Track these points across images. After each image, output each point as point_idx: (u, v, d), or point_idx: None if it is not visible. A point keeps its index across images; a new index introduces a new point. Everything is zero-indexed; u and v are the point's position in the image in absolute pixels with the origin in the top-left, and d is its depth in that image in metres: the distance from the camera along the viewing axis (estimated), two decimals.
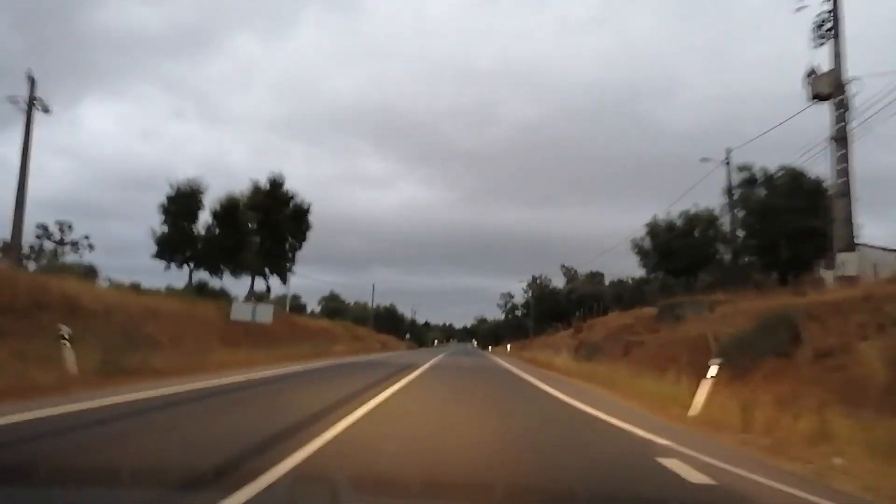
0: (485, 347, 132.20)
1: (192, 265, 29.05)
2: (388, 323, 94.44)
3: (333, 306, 78.41)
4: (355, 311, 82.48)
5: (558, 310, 62.32)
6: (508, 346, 57.61)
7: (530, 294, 68.75)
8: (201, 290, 35.00)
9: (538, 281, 67.48)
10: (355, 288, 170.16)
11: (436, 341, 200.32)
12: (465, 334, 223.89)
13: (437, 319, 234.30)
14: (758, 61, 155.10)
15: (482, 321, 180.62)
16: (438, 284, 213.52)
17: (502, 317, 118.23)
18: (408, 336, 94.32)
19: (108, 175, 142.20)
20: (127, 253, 75.32)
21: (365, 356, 34.25)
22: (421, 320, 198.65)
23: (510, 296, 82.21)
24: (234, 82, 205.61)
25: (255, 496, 3.91)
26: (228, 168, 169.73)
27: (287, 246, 34.93)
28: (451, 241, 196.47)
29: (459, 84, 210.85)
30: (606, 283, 57.50)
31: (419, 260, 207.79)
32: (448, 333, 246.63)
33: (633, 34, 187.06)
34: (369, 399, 10.25)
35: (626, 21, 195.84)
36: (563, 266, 66.34)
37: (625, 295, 50.00)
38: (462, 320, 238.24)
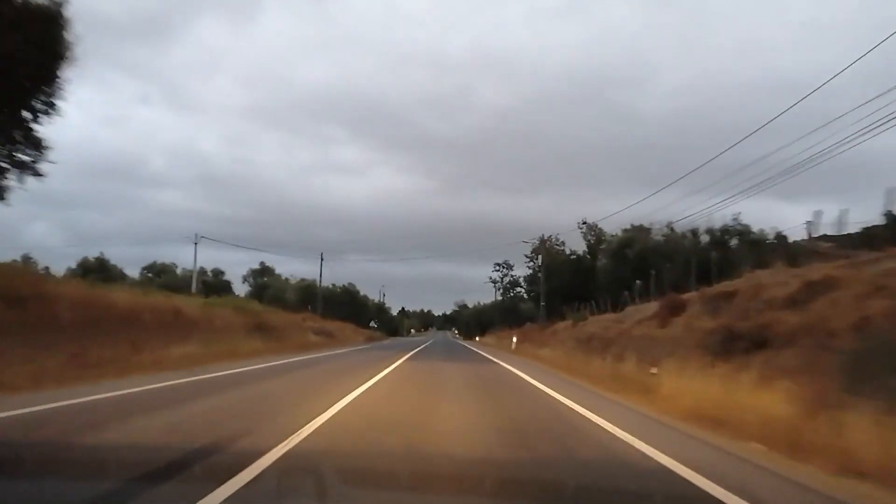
0: (469, 337, 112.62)
1: None
2: (346, 308, 73.87)
3: (264, 283, 57.45)
4: (297, 291, 61.63)
5: (585, 283, 42.54)
6: (514, 339, 37.21)
7: (537, 263, 48.59)
8: None
9: (548, 243, 47.29)
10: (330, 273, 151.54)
11: (412, 330, 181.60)
12: (445, 321, 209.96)
13: (415, 306, 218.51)
14: (733, 49, 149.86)
15: (463, 307, 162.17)
16: (417, 272, 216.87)
17: (492, 297, 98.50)
18: (373, 324, 74.04)
19: (73, 163, 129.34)
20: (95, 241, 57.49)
21: (151, 384, 13.56)
22: (396, 307, 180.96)
23: (507, 266, 61.51)
24: (201, 68, 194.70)
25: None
26: (200, 156, 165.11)
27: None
28: (429, 229, 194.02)
29: (433, 72, 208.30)
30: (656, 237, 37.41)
31: (397, 248, 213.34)
32: (426, 321, 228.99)
33: (607, 21, 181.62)
34: None
35: (599, 8, 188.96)
36: (583, 223, 46.32)
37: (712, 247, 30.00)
38: (441, 307, 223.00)
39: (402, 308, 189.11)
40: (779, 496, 4.84)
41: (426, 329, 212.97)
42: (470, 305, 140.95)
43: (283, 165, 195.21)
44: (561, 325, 39.85)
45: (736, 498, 4.51)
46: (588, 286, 43.48)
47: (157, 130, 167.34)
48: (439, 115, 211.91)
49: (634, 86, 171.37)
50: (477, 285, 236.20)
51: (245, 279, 58.51)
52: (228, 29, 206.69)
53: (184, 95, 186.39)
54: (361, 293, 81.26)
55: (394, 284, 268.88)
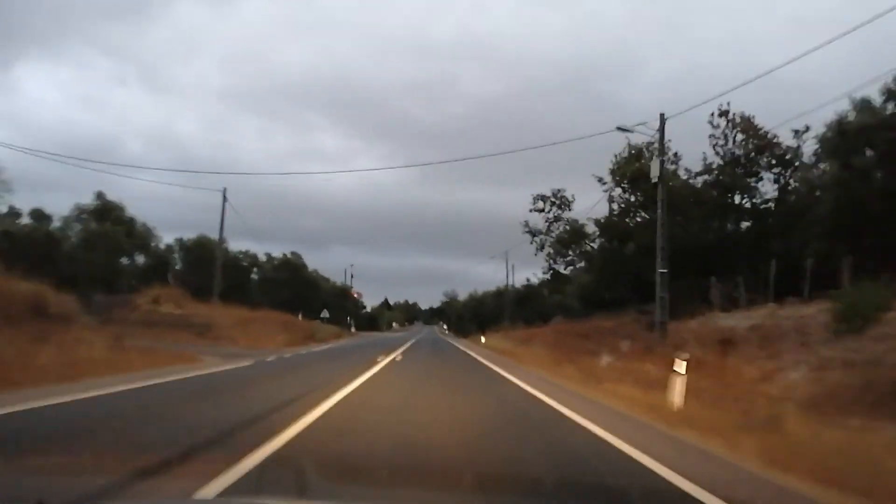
0: (463, 334, 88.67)
1: None
2: (289, 289, 49.13)
3: (95, 231, 30.65)
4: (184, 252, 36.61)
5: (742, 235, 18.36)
6: (681, 367, 12.34)
7: (620, 193, 23.59)
8: None
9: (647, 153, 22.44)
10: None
11: (394, 324, 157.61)
12: (433, 315, 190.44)
13: (400, 299, 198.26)
14: (720, 42, 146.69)
15: (453, 299, 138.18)
16: (402, 265, 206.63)
17: (491, 289, 73.38)
18: (325, 315, 49.19)
19: (48, 145, 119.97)
20: None
21: None
22: (378, 299, 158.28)
23: (560, 202, 33.63)
24: (180, 49, 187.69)
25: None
26: (178, 140, 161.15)
27: None
28: (414, 221, 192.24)
29: (417, 58, 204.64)
30: None
31: (381, 240, 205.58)
32: (411, 314, 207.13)
33: (594, 10, 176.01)
34: None
35: None
36: (721, 113, 21.83)
37: None
38: (428, 301, 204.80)
39: (385, 299, 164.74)
40: None
41: (410, 323, 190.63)
42: (462, 297, 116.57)
43: (263, 151, 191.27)
44: (726, 319, 15.39)
45: None
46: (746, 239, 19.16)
47: (134, 112, 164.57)
48: (424, 103, 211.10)
49: (621, 76, 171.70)
50: (468, 279, 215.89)
51: (66, 224, 32.21)
52: (207, 9, 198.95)
53: (161, 77, 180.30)
54: (311, 268, 55.72)
55: (377, 276, 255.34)
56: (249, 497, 4.15)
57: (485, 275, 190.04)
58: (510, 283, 56.45)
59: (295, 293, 49.80)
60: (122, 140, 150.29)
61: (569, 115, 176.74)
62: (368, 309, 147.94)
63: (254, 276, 49.07)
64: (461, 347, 39.34)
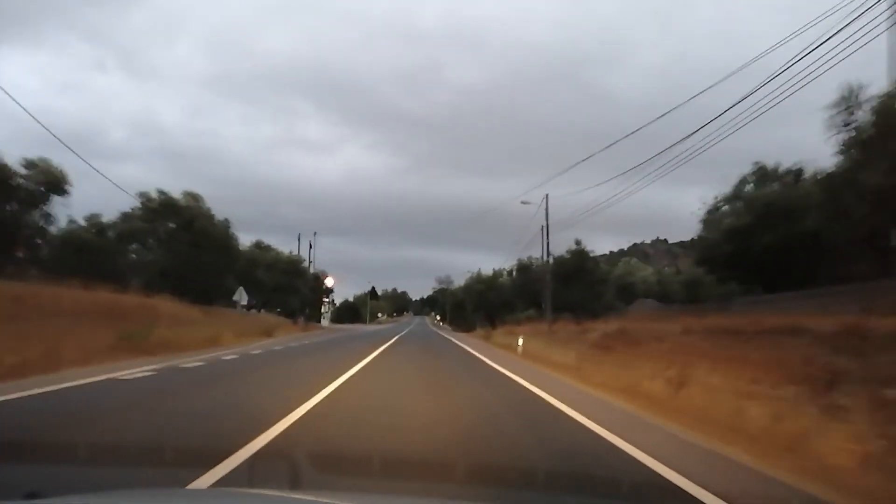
0: (464, 328, 68.08)
1: None
2: (168, 249, 27.50)
3: None
4: None
5: None
6: None
7: None
8: None
9: None
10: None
11: (379, 314, 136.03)
12: (423, 305, 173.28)
13: (388, 288, 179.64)
14: (711, 32, 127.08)
15: (447, 286, 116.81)
16: (391, 256, 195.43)
17: (502, 265, 49.94)
18: (241, 300, 27.63)
19: (27, 132, 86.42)
20: None
21: None
22: (363, 288, 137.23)
23: None
24: (162, 34, 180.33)
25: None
26: (161, 127, 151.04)
27: None
28: (402, 210, 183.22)
29: (403, 44, 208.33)
30: None
31: (369, 230, 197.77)
32: (400, 304, 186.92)
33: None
34: None
35: None
36: None
37: None
38: (419, 291, 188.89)
39: (372, 288, 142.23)
40: None
41: (400, 314, 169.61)
42: (459, 283, 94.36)
43: (247, 139, 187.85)
44: None
45: None
46: None
47: (115, 99, 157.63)
48: (410, 91, 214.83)
49: (609, 66, 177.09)
50: (462, 270, 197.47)
51: None
52: None
53: (144, 63, 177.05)
54: (214, 213, 31.67)
55: (365, 266, 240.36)
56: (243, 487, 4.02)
57: (479, 264, 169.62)
58: (546, 251, 34.41)
59: (186, 259, 27.99)
60: (103, 128, 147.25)
61: (557, 104, 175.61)
62: (351, 298, 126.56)
63: (108, 231, 27.19)
64: (500, 370, 17.23)
